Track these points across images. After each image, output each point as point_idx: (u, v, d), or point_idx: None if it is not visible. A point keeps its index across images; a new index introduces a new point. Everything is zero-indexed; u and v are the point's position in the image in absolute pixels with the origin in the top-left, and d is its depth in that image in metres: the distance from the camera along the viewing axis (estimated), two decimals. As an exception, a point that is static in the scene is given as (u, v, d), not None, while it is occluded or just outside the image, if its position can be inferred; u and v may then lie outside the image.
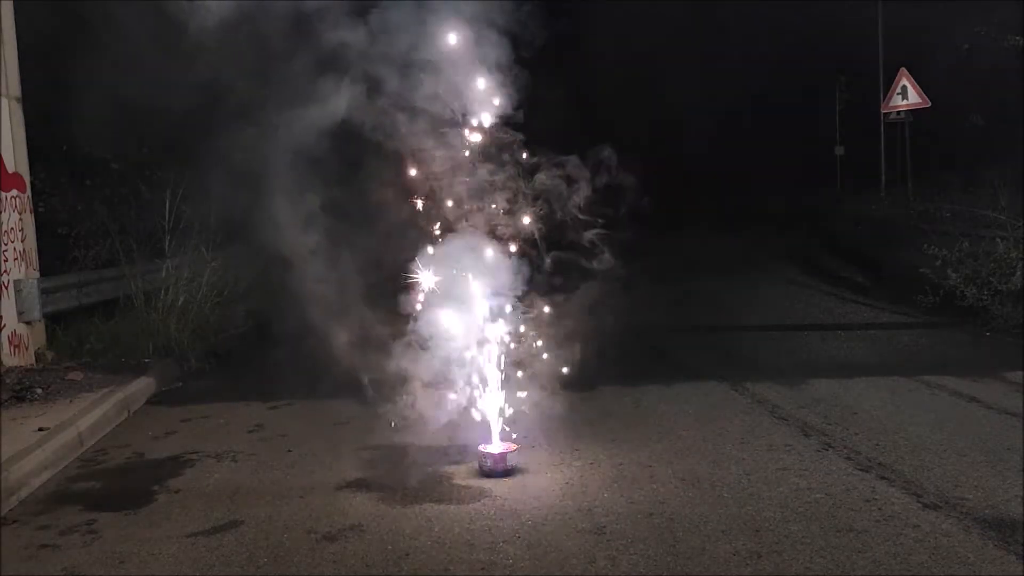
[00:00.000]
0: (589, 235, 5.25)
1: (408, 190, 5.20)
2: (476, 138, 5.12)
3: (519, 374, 5.26)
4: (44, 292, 7.69)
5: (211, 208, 8.82)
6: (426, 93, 5.05)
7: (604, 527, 4.15)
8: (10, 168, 7.48)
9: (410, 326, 5.16)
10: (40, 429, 5.64)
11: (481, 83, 5.03)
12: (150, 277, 8.68)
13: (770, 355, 8.36)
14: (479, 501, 4.55)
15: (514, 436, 5.22)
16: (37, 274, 7.77)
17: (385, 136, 5.11)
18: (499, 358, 5.15)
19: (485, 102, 5.07)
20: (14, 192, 7.51)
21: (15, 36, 7.58)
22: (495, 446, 5.03)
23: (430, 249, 5.14)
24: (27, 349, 7.51)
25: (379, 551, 3.96)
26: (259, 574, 3.80)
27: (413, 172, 5.15)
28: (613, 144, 5.33)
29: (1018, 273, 9.38)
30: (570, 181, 5.22)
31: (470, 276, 5.04)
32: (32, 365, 7.45)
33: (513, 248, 5.17)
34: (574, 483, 4.78)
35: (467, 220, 5.16)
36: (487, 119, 5.11)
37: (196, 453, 5.58)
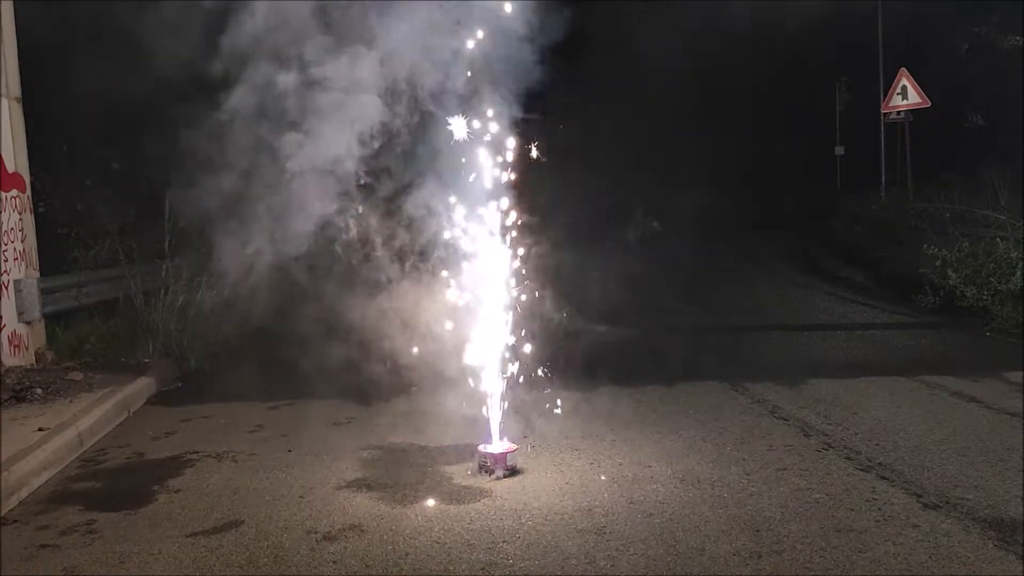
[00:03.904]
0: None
1: None
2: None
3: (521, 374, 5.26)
4: (44, 292, 7.68)
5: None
6: None
7: (604, 527, 4.15)
8: (10, 168, 7.48)
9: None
10: (40, 429, 5.63)
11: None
12: (150, 277, 8.67)
13: (770, 355, 8.36)
14: (479, 501, 4.55)
15: (514, 436, 5.22)
16: (37, 274, 7.76)
17: None
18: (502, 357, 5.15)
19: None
20: (14, 192, 7.51)
21: (15, 36, 7.58)
22: (495, 446, 5.03)
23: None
24: (27, 349, 7.50)
25: (379, 551, 3.96)
26: (259, 574, 3.79)
27: None
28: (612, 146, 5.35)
29: (1018, 273, 9.39)
30: None
31: None
32: (32, 365, 7.44)
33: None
34: (574, 483, 4.78)
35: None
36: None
37: (196, 453, 5.58)
